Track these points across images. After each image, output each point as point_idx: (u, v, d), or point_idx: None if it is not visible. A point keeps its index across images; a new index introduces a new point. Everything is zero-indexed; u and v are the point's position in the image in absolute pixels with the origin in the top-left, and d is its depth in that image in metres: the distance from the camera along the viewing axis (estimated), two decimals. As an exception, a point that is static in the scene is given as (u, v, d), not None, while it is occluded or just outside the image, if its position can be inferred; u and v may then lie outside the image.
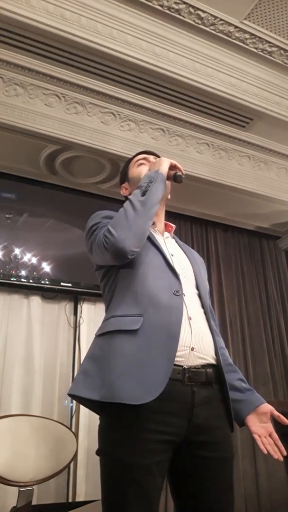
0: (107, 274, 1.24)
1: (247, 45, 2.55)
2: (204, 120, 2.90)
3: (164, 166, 1.23)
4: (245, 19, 2.41)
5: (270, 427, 1.21)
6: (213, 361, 1.12)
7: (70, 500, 2.49)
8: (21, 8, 2.12)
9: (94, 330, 3.24)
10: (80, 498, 2.51)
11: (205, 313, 1.20)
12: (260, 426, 1.20)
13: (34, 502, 1.86)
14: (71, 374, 2.78)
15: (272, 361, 3.48)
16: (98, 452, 1.04)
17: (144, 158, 1.40)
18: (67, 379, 2.77)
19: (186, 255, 1.33)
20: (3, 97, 2.47)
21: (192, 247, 3.69)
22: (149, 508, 0.97)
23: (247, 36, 2.50)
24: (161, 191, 1.19)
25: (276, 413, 1.22)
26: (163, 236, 1.34)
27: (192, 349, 1.08)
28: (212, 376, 1.11)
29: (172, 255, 1.26)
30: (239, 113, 2.84)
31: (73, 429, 2.58)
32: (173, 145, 2.98)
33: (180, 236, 3.51)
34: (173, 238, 1.38)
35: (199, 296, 1.22)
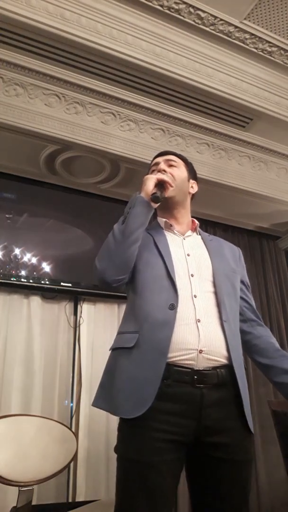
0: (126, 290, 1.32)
1: (247, 45, 2.55)
2: (204, 120, 2.90)
3: (147, 186, 1.22)
4: (245, 19, 2.41)
5: None
6: (225, 361, 1.12)
7: (70, 500, 2.49)
8: (21, 8, 2.12)
9: (94, 330, 3.27)
10: (80, 498, 2.51)
11: (220, 312, 1.17)
12: None
13: (34, 502, 1.87)
14: (71, 374, 2.78)
15: (272, 361, 3.48)
16: (115, 449, 1.12)
17: (156, 164, 1.38)
18: (67, 379, 2.77)
19: (210, 250, 1.31)
20: (3, 97, 2.47)
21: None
22: (153, 505, 0.99)
23: (247, 36, 2.50)
24: (141, 215, 1.19)
25: None
26: (183, 235, 1.33)
27: (200, 351, 1.09)
28: (224, 377, 1.10)
29: (188, 255, 1.26)
30: (239, 113, 2.84)
31: (73, 429, 2.58)
32: (173, 145, 2.98)
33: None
34: (199, 234, 1.39)
35: (215, 293, 1.20)
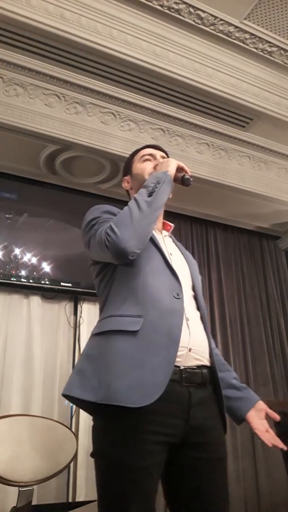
0: (104, 270, 1.21)
1: (247, 45, 2.55)
2: (204, 120, 2.90)
3: (172, 167, 1.21)
4: (245, 19, 2.41)
5: (266, 423, 1.22)
6: (207, 363, 1.13)
7: (70, 500, 2.49)
8: (21, 8, 2.12)
9: (94, 330, 3.23)
10: (80, 498, 2.51)
11: (201, 316, 1.19)
12: (259, 422, 1.20)
13: (34, 502, 1.86)
14: (71, 374, 2.78)
15: (272, 361, 3.48)
16: (93, 454, 1.03)
17: (150, 154, 1.36)
18: (67, 379, 2.75)
19: (183, 255, 1.32)
20: (3, 97, 2.47)
21: (192, 247, 3.71)
22: (148, 509, 0.96)
23: (247, 36, 2.50)
24: (167, 193, 1.17)
25: (269, 410, 1.23)
26: (161, 234, 1.33)
27: (190, 350, 1.08)
28: (207, 377, 1.11)
29: (171, 254, 1.25)
30: (239, 113, 2.84)
31: (73, 429, 2.58)
32: (173, 145, 2.98)
33: (180, 236, 3.51)
34: (170, 237, 1.36)
35: (195, 298, 1.22)
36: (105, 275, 1.21)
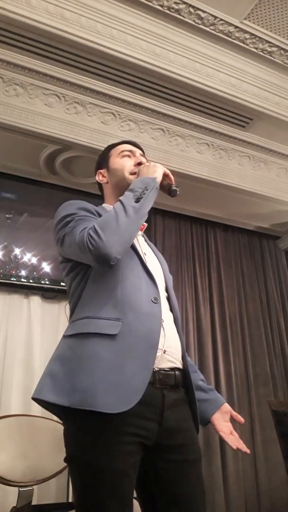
0: (76, 268, 1.17)
1: (247, 45, 2.55)
2: (204, 120, 2.90)
3: (159, 173, 1.18)
4: (245, 19, 2.41)
5: (231, 425, 1.20)
6: (180, 365, 1.12)
7: (70, 500, 2.49)
8: (21, 8, 2.12)
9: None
10: (80, 498, 2.51)
11: (175, 317, 1.18)
12: (224, 424, 1.19)
13: (34, 502, 1.86)
14: (71, 374, 2.78)
15: (272, 361, 3.48)
16: (67, 459, 1.00)
17: (130, 151, 1.33)
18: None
19: (157, 255, 1.29)
20: (3, 97, 2.47)
21: (192, 247, 3.71)
22: (127, 510, 0.95)
23: (247, 36, 2.50)
24: (153, 200, 1.14)
25: (234, 413, 1.22)
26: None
27: (164, 351, 1.07)
28: (179, 379, 1.10)
29: (145, 254, 1.22)
30: (239, 113, 2.84)
31: (73, 429, 2.58)
32: (173, 145, 2.98)
33: (180, 236, 3.51)
34: (143, 236, 1.32)
35: (168, 299, 1.20)
36: (77, 273, 1.17)
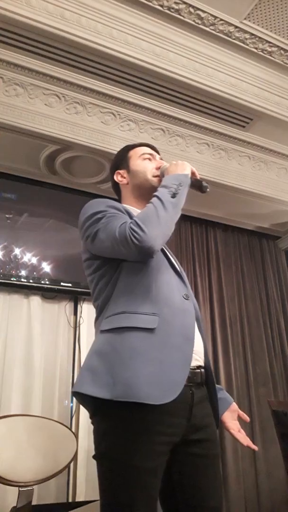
0: (104, 266, 1.17)
1: (247, 45, 2.55)
2: (204, 120, 2.90)
3: (188, 171, 1.22)
4: (245, 19, 2.41)
5: (238, 424, 1.24)
6: (202, 363, 1.15)
7: (70, 500, 2.49)
8: (21, 8, 2.12)
9: (94, 330, 3.24)
10: (80, 498, 2.51)
11: (196, 316, 1.19)
12: (233, 422, 1.23)
13: (34, 502, 1.86)
14: (71, 374, 2.78)
15: (272, 361, 3.48)
16: (97, 455, 1.01)
17: (151, 154, 1.35)
18: (67, 379, 2.77)
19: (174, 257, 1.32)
20: (3, 97, 2.47)
21: (192, 247, 3.72)
22: (153, 509, 0.97)
23: (247, 36, 2.50)
24: (185, 196, 1.17)
25: (241, 412, 1.26)
26: None
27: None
28: (204, 377, 1.13)
29: (169, 253, 1.26)
30: (239, 113, 2.84)
31: (73, 429, 2.58)
32: (173, 145, 2.98)
33: (180, 236, 3.51)
34: None
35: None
36: (106, 271, 1.17)
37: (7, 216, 2.82)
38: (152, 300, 1.08)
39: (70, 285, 2.84)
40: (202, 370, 1.13)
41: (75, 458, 2.25)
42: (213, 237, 3.71)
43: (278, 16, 2.42)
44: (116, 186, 1.40)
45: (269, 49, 2.59)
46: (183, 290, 1.15)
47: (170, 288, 1.12)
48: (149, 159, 1.34)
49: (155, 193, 1.14)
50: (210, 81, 2.62)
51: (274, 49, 2.59)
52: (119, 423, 0.97)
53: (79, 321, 2.93)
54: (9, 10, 2.10)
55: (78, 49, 2.32)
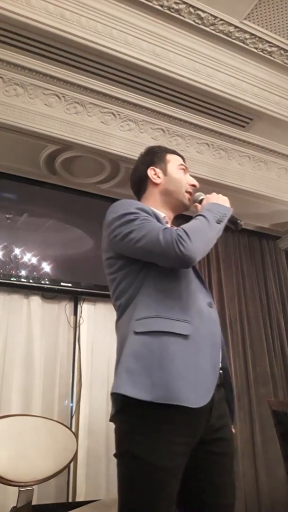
0: (128, 267, 1.19)
1: (247, 45, 2.55)
2: (204, 120, 2.90)
3: (229, 206, 1.28)
4: (245, 19, 2.41)
5: None
6: (220, 365, 1.17)
7: (70, 500, 2.49)
8: (21, 8, 2.12)
9: (94, 330, 3.25)
10: (80, 498, 2.51)
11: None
12: None
13: (34, 502, 1.86)
14: (71, 374, 2.79)
15: (272, 361, 3.48)
16: (119, 454, 1.04)
17: (185, 167, 1.42)
18: (67, 379, 2.77)
19: None
20: (3, 97, 2.47)
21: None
22: (171, 509, 1.00)
23: (247, 36, 2.50)
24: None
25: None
26: None
27: None
28: (222, 378, 1.17)
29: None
30: (239, 113, 2.84)
31: (73, 429, 2.58)
32: (173, 145, 2.98)
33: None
34: None
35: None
36: (129, 272, 1.19)
37: (7, 216, 2.82)
38: (184, 307, 1.13)
39: (70, 285, 2.84)
40: (221, 371, 1.16)
41: (75, 458, 2.25)
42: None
43: (278, 16, 2.42)
44: (142, 180, 1.41)
45: (269, 49, 2.59)
46: (207, 298, 1.21)
47: (197, 297, 1.18)
48: (184, 170, 1.41)
49: (202, 213, 1.20)
50: (210, 81, 2.62)
51: (274, 49, 2.59)
52: (148, 423, 1.00)
53: (79, 321, 2.93)
54: (9, 10, 2.10)
55: (78, 49, 2.32)
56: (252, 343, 3.47)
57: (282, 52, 2.61)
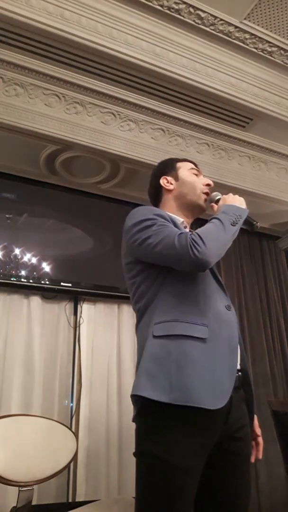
0: (146, 271, 1.23)
1: (247, 45, 2.55)
2: (204, 120, 2.90)
3: (245, 207, 1.31)
4: (245, 19, 2.41)
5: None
6: (239, 366, 1.19)
7: (70, 500, 2.49)
8: (21, 8, 2.12)
9: (94, 330, 3.25)
10: (80, 498, 2.51)
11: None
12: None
13: (34, 502, 1.86)
14: (71, 374, 2.78)
15: (272, 361, 3.48)
16: (138, 453, 1.07)
17: (198, 171, 1.46)
18: (67, 379, 2.77)
19: None
20: (3, 97, 2.47)
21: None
22: (189, 509, 1.01)
23: (247, 36, 2.50)
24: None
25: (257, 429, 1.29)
26: None
27: None
28: (241, 380, 1.19)
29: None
30: (239, 113, 2.84)
31: (73, 429, 2.58)
32: (173, 145, 2.98)
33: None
34: None
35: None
36: (147, 276, 1.23)
37: (7, 216, 2.82)
38: (201, 311, 1.15)
39: (70, 285, 2.84)
40: (239, 373, 1.17)
41: (75, 458, 2.25)
42: (213, 237, 3.70)
43: (278, 16, 2.42)
44: (156, 191, 1.46)
45: (269, 49, 2.59)
46: (225, 301, 1.21)
47: (215, 300, 1.19)
48: (197, 175, 1.44)
49: (217, 216, 1.22)
50: (210, 81, 2.62)
51: (274, 49, 2.59)
52: (167, 423, 1.03)
53: (79, 321, 2.93)
54: (9, 10, 2.10)
55: (78, 49, 2.32)
56: (252, 343, 3.46)
57: (282, 52, 2.61)
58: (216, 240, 1.14)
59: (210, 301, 1.17)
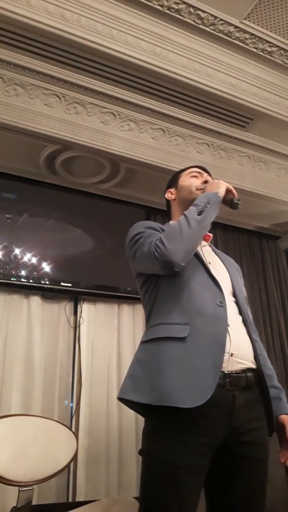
0: (148, 281, 1.29)
1: (247, 45, 2.55)
2: (204, 120, 2.90)
3: (222, 189, 1.30)
4: (245, 19, 2.41)
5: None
6: (252, 366, 1.17)
7: (70, 500, 2.49)
8: (21, 8, 2.12)
9: (94, 330, 3.25)
10: (80, 498, 2.51)
11: (244, 320, 1.24)
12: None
13: (34, 502, 1.86)
14: (71, 374, 2.78)
15: (272, 361, 3.46)
16: (141, 452, 1.10)
17: (199, 172, 1.47)
18: (67, 379, 2.77)
19: (223, 262, 1.38)
20: (3, 97, 2.47)
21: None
22: (187, 507, 1.01)
23: (247, 36, 2.50)
24: (215, 213, 1.25)
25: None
26: (200, 244, 1.37)
27: (231, 354, 1.12)
28: (252, 380, 1.15)
29: (209, 263, 1.30)
30: (239, 113, 2.84)
31: (73, 429, 2.58)
32: (173, 145, 2.98)
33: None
34: (209, 246, 1.44)
35: (237, 303, 1.26)
36: (149, 285, 1.28)
37: (7, 216, 2.82)
38: (183, 310, 1.15)
39: (70, 285, 2.84)
40: (249, 373, 1.14)
41: (75, 458, 2.25)
42: (213, 237, 3.69)
43: (278, 16, 2.42)
44: (167, 205, 1.54)
45: (269, 49, 2.59)
46: (218, 298, 1.18)
47: (203, 298, 1.17)
48: (196, 176, 1.45)
49: (184, 212, 1.23)
50: (210, 81, 2.62)
51: (274, 49, 2.59)
52: (156, 423, 1.08)
53: (79, 321, 2.93)
54: (9, 10, 2.10)
55: (78, 49, 2.32)
56: (252, 343, 3.46)
57: (282, 52, 2.61)
58: (177, 239, 1.15)
59: (196, 299, 1.16)
